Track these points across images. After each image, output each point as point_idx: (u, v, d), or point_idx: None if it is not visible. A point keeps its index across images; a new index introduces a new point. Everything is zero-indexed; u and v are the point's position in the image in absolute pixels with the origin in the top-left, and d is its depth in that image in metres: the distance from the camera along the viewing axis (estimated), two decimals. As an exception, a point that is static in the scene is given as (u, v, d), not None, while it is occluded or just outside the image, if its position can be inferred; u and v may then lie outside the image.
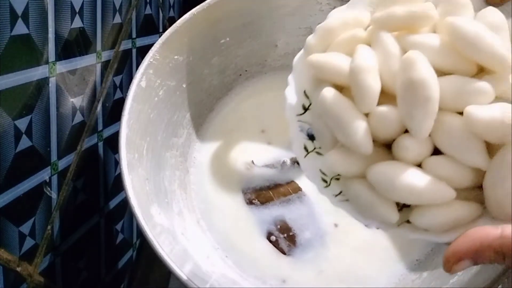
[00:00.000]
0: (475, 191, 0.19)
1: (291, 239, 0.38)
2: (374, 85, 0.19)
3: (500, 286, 0.27)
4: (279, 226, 0.38)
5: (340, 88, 0.21)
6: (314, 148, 0.23)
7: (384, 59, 0.19)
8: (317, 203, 0.39)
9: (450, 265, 0.18)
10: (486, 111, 0.17)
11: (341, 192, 0.22)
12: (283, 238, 0.38)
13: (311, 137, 0.23)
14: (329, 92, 0.20)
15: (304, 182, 0.40)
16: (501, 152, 0.17)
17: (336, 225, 0.38)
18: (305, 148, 0.24)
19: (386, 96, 0.19)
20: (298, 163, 0.40)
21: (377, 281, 0.36)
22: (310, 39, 0.22)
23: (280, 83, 0.44)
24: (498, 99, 0.18)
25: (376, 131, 0.19)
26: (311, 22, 0.40)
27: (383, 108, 0.19)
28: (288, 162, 0.40)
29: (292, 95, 0.23)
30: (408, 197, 0.19)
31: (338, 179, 0.22)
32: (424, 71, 0.17)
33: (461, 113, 0.18)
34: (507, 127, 0.17)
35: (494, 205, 0.18)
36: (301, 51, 0.23)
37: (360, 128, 0.19)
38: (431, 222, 0.19)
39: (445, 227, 0.19)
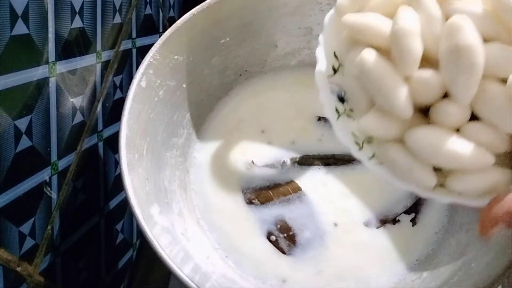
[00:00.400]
0: (507, 158, 0.19)
1: (291, 238, 0.38)
2: (417, 48, 0.18)
3: (500, 286, 0.27)
4: (279, 226, 0.38)
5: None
6: (345, 111, 0.23)
7: (426, 22, 0.19)
8: (317, 202, 0.39)
9: (486, 229, 0.18)
10: None
11: (374, 155, 0.22)
12: (283, 238, 0.38)
13: (341, 99, 0.23)
14: (369, 54, 0.19)
15: (304, 182, 0.40)
16: None
17: (336, 225, 0.38)
18: (337, 111, 0.23)
19: (426, 61, 0.19)
20: (298, 163, 0.40)
21: (377, 281, 0.36)
22: None
23: (280, 83, 0.44)
24: None
25: (415, 95, 0.19)
26: (311, 22, 0.40)
27: (426, 72, 0.19)
28: (288, 162, 0.40)
29: (322, 56, 0.23)
30: (450, 162, 0.19)
31: (369, 142, 0.22)
32: (471, 36, 0.17)
33: (502, 81, 0.18)
34: None
35: None
36: (332, 11, 0.23)
37: (401, 92, 0.19)
38: (468, 186, 0.19)
39: (480, 192, 0.19)
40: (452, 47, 0.18)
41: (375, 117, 0.20)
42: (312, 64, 0.23)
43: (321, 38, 0.23)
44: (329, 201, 0.39)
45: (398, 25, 0.19)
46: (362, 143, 0.22)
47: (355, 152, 0.22)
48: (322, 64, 0.23)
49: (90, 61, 0.37)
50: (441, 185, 0.20)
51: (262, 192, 0.39)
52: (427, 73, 0.19)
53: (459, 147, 0.19)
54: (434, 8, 0.19)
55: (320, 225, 0.38)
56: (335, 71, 0.23)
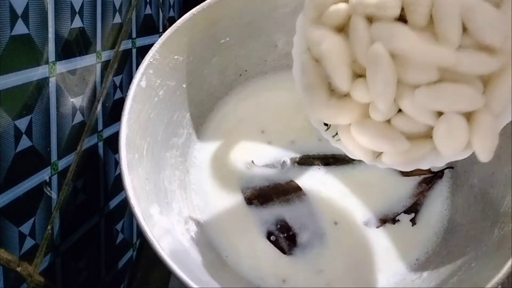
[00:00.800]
0: (429, 131, 0.25)
1: (291, 238, 0.38)
2: (347, 75, 0.25)
3: (500, 287, 0.28)
4: (279, 226, 0.38)
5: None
6: None
7: (356, 45, 0.24)
8: (317, 202, 0.39)
9: None
10: (425, 94, 0.23)
11: (336, 133, 0.28)
12: (283, 238, 0.38)
13: None
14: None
15: (304, 182, 0.40)
16: (444, 115, 0.24)
17: (336, 223, 0.38)
18: None
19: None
20: (298, 163, 0.40)
21: (377, 281, 0.36)
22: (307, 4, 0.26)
23: (280, 83, 0.44)
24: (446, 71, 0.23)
25: (355, 98, 0.26)
26: (311, 22, 0.40)
27: (358, 90, 0.25)
28: (288, 162, 0.40)
29: (297, 55, 0.28)
30: (377, 148, 0.26)
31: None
32: (385, 66, 0.23)
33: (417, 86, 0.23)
34: (445, 105, 0.23)
35: (441, 145, 0.25)
36: (301, 14, 0.27)
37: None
38: (394, 161, 0.27)
39: (405, 163, 0.27)
40: (371, 74, 0.23)
41: (330, 110, 0.26)
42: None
43: (295, 39, 0.28)
44: (329, 200, 0.39)
45: (328, 59, 0.25)
46: (329, 125, 0.29)
47: (323, 132, 0.29)
48: (298, 61, 0.28)
49: (90, 61, 0.37)
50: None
51: (262, 192, 0.39)
52: (358, 91, 0.25)
53: (382, 139, 0.25)
54: (361, 32, 0.24)
55: (320, 224, 0.38)
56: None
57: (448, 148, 0.25)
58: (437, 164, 0.27)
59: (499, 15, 0.23)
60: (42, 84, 0.30)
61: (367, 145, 0.26)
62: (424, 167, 0.27)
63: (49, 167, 0.32)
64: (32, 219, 0.31)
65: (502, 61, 0.23)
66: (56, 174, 0.33)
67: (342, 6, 0.25)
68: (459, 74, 0.23)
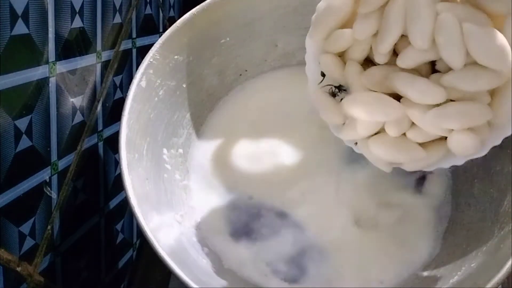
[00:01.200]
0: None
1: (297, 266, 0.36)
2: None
3: (500, 286, 0.27)
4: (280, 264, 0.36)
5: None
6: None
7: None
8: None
9: None
10: (435, 115, 0.25)
11: (356, 142, 0.30)
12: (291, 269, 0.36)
13: (333, 95, 0.30)
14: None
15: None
16: (453, 132, 0.26)
17: (335, 225, 0.38)
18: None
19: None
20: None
21: (377, 282, 0.36)
22: (313, 20, 0.28)
23: (280, 83, 0.44)
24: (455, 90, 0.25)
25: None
26: (311, 22, 0.40)
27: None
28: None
29: (310, 72, 0.30)
30: (395, 159, 0.28)
31: None
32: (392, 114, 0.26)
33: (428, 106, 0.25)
34: (455, 124, 0.25)
35: (456, 152, 0.27)
36: (308, 36, 0.29)
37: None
38: (414, 168, 0.29)
39: (425, 166, 0.29)
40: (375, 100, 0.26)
41: (347, 130, 0.29)
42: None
43: (306, 57, 0.30)
44: (327, 201, 0.39)
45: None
46: None
47: (346, 141, 0.31)
48: (311, 77, 0.30)
49: (90, 61, 0.37)
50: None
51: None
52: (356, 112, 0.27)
53: (398, 151, 0.27)
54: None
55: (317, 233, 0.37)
56: (323, 75, 0.30)
57: (463, 154, 0.26)
58: (457, 162, 0.28)
59: (499, 38, 0.23)
60: (42, 84, 0.30)
61: (384, 157, 0.28)
62: (446, 166, 0.29)
63: (49, 167, 0.32)
64: (32, 219, 0.31)
65: (506, 76, 0.24)
66: (56, 174, 0.33)
67: (346, 31, 0.27)
68: (466, 91, 0.25)
